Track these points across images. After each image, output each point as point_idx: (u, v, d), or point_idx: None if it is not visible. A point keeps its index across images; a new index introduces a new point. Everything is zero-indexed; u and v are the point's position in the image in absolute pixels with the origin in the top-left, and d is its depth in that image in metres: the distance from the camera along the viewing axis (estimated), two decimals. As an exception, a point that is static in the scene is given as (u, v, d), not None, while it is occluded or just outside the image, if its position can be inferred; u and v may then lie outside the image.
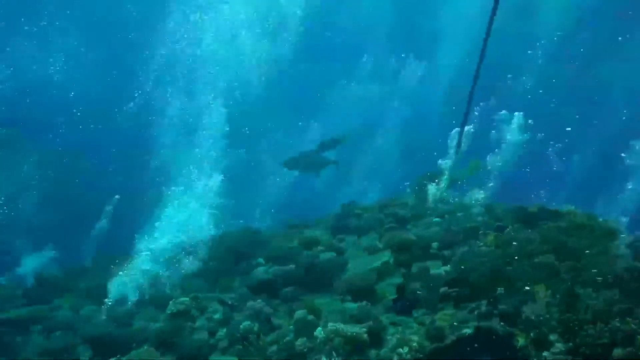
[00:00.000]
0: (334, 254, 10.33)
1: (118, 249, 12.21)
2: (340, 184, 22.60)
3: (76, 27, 21.34)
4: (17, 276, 13.63)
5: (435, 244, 9.84)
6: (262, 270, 10.05)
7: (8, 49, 20.78)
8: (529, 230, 8.58)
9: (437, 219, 11.41)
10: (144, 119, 19.25)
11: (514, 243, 7.95)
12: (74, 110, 21.40)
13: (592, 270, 6.31)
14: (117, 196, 17.39)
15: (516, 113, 14.56)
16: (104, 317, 9.72)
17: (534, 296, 6.43)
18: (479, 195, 12.56)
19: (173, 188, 12.63)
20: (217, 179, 12.76)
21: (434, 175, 14.16)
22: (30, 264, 14.14)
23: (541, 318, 5.85)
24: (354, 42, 25.02)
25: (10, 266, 14.03)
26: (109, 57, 22.26)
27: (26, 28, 20.73)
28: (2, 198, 17.25)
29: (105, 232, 16.85)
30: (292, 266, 9.99)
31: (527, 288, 6.57)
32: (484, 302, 7.13)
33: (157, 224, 11.44)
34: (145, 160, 17.18)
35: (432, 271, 8.50)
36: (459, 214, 11.34)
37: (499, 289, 7.13)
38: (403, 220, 11.94)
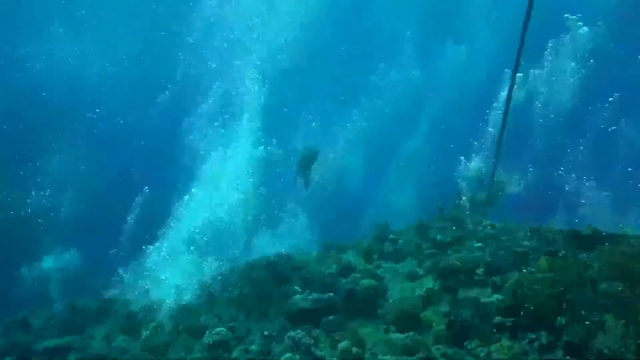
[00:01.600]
0: (374, 281, 9.92)
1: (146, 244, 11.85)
2: (374, 181, 21.99)
3: (108, 20, 21.57)
4: (41, 272, 13.41)
5: (480, 270, 9.37)
6: (300, 298, 9.69)
7: (35, 44, 21.01)
8: (586, 255, 8.07)
9: (478, 244, 10.94)
10: (174, 110, 19.08)
11: (572, 268, 7.43)
12: (105, 104, 21.52)
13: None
14: (146, 188, 16.92)
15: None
16: (138, 347, 9.47)
17: (603, 327, 5.92)
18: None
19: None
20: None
21: (470, 195, 13.79)
22: (51, 264, 13.84)
23: (616, 351, 5.36)
24: (392, 26, 24.44)
25: (33, 264, 13.83)
26: (140, 49, 22.37)
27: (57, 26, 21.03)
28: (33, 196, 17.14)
29: (135, 228, 16.29)
30: (331, 294, 9.64)
31: (594, 318, 6.06)
32: (544, 332, 6.67)
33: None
34: (175, 154, 16.76)
35: (483, 299, 8.03)
36: (503, 238, 10.85)
37: (559, 318, 6.67)
38: (442, 245, 11.50)
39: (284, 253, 12.79)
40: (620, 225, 8.76)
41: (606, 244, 8.23)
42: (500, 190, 14.66)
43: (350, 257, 12.43)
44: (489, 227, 11.84)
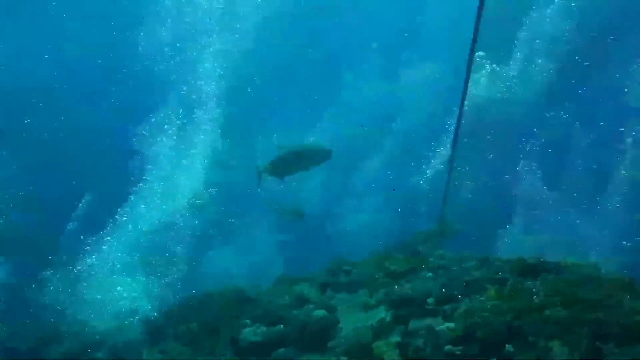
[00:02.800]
0: (326, 313, 9.75)
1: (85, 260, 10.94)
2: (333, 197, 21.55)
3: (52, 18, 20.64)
4: None
5: (431, 300, 9.38)
6: (249, 332, 9.36)
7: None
8: (532, 283, 8.24)
9: (430, 274, 10.99)
10: (122, 110, 18.15)
11: (520, 296, 7.56)
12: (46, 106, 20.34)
13: (610, 325, 5.95)
14: (88, 195, 15.82)
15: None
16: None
17: (549, 352, 5.99)
18: None
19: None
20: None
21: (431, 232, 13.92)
22: None
23: (563, 377, 5.40)
24: (361, 36, 24.24)
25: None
26: (86, 46, 21.48)
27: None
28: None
29: (73, 236, 14.91)
30: (281, 326, 9.40)
31: (541, 344, 6.13)
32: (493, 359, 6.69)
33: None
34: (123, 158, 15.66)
35: (435, 328, 7.99)
36: (453, 268, 10.96)
37: (507, 345, 6.71)
38: (395, 275, 11.49)
39: (235, 285, 12.51)
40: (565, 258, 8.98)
41: (550, 272, 8.46)
42: (451, 228, 14.84)
43: (303, 288, 12.24)
44: (440, 257, 11.96)
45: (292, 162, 12.25)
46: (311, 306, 10.20)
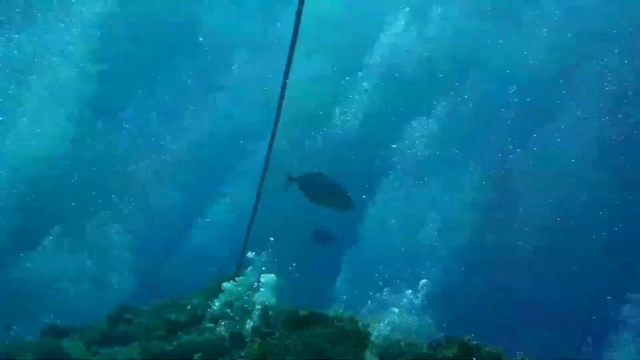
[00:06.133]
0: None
1: None
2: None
3: None
4: None
5: (197, 355, 8.61)
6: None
7: None
8: (294, 337, 7.93)
9: (211, 325, 10.21)
10: None
11: (274, 351, 7.19)
12: None
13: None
14: None
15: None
16: None
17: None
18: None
19: None
20: None
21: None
22: None
23: None
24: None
25: None
26: None
27: None
28: None
29: None
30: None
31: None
32: None
33: None
34: None
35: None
36: (236, 319, 10.33)
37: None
38: (174, 326, 10.50)
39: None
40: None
41: (317, 324, 8.27)
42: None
43: (69, 343, 10.63)
44: (228, 306, 11.28)
45: (318, 190, 11.34)
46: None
